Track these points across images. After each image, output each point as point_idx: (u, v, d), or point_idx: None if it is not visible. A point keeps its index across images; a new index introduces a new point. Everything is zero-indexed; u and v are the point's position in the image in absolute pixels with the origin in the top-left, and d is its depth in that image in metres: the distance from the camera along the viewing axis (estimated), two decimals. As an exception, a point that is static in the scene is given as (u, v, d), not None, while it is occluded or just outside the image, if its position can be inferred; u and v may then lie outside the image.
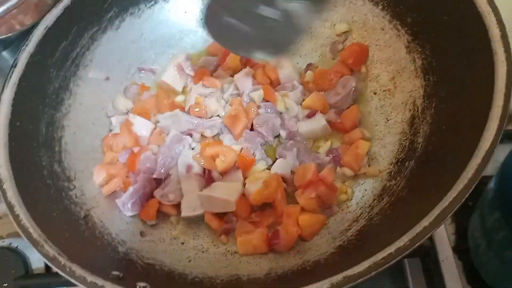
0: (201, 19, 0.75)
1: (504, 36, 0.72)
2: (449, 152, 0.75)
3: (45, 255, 0.69)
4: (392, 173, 0.87)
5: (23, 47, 0.93)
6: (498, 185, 0.74)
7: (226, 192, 0.88)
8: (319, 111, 0.97)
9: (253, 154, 0.95)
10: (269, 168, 0.94)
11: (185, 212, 0.90)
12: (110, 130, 1.04)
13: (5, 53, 1.14)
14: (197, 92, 1.05)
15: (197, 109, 1.01)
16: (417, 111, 0.89)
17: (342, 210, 0.87)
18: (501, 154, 0.72)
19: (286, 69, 1.02)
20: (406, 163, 0.84)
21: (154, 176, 0.94)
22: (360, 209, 0.85)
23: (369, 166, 0.91)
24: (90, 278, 0.65)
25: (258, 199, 0.86)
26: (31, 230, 0.71)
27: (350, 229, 0.82)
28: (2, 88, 0.88)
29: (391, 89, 0.97)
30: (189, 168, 0.94)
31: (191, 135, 1.00)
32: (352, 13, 1.06)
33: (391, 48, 0.98)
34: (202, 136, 1.01)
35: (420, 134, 0.85)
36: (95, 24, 1.04)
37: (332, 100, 0.98)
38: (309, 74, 1.03)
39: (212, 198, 0.87)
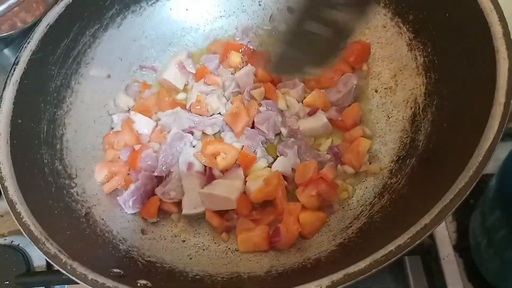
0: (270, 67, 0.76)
1: (506, 33, 0.72)
2: (450, 150, 0.74)
3: (46, 253, 0.69)
4: (393, 170, 0.86)
5: (25, 45, 0.93)
6: (499, 183, 0.74)
7: (227, 190, 0.88)
8: (320, 109, 0.96)
9: (254, 151, 0.95)
10: (270, 166, 0.94)
11: (186, 209, 0.90)
12: (112, 128, 1.04)
13: (6, 51, 1.14)
14: (199, 90, 1.05)
15: (198, 107, 1.01)
16: (419, 109, 0.89)
17: (342, 207, 0.87)
18: (502, 152, 0.72)
19: (287, 66, 1.02)
20: (407, 161, 0.84)
21: (155, 173, 0.94)
22: (360, 206, 0.85)
23: (370, 164, 0.90)
24: (91, 275, 0.65)
25: (259, 196, 0.87)
26: (32, 227, 0.72)
27: (350, 226, 0.82)
28: (4, 86, 0.88)
29: (393, 86, 0.97)
30: (190, 165, 0.94)
31: (192, 133, 1.00)
32: (353, 11, 1.06)
33: (392, 46, 0.98)
34: (203, 133, 1.01)
35: (421, 132, 0.85)
36: (96, 22, 1.04)
37: (333, 98, 0.98)
38: (310, 72, 1.03)
39: (213, 196, 0.87)
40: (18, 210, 0.74)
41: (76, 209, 0.86)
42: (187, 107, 1.03)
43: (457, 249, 0.88)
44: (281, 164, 0.91)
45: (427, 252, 0.87)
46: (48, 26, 0.95)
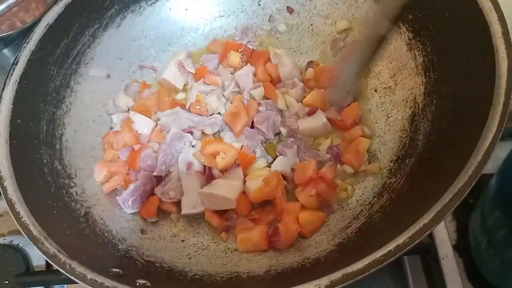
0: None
1: (505, 33, 0.72)
2: (449, 149, 0.74)
3: (45, 253, 0.69)
4: (392, 170, 0.86)
5: (24, 45, 0.93)
6: (499, 183, 0.74)
7: (226, 190, 0.88)
8: (319, 109, 0.96)
9: (254, 151, 0.95)
10: (269, 166, 0.94)
11: (186, 209, 0.90)
12: (111, 128, 1.04)
13: (6, 51, 1.14)
14: (198, 90, 1.05)
15: (197, 107, 1.01)
16: (418, 108, 0.89)
17: (342, 207, 0.87)
18: (501, 152, 0.72)
19: (287, 66, 1.02)
20: (407, 161, 0.84)
21: (155, 173, 0.94)
22: (360, 206, 0.85)
23: (369, 163, 0.90)
24: (90, 275, 0.65)
25: (258, 196, 0.87)
26: (31, 227, 0.72)
27: (350, 226, 0.82)
28: (3, 85, 0.88)
29: (392, 86, 0.96)
30: (189, 165, 0.94)
31: (191, 133, 1.00)
32: (353, 11, 1.06)
33: (392, 45, 0.98)
34: (203, 133, 1.01)
35: (421, 132, 0.85)
36: (96, 21, 1.04)
37: (332, 98, 0.97)
38: (310, 72, 1.03)
39: (212, 196, 0.87)
40: (17, 210, 0.74)
41: (75, 209, 0.86)
42: (187, 107, 1.03)
43: (457, 249, 0.88)
44: (281, 164, 0.91)
45: (426, 252, 0.87)
46: (47, 26, 0.95)
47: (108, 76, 1.07)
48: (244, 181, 0.90)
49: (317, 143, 0.96)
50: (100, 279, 0.65)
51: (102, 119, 1.04)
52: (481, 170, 0.62)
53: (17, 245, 1.02)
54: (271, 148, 0.97)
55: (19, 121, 0.87)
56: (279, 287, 0.76)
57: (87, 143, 0.99)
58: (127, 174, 0.96)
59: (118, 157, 0.98)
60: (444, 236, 0.87)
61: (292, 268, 0.77)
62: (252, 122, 0.97)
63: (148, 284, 0.68)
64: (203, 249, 0.87)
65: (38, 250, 0.70)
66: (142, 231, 0.90)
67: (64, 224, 0.80)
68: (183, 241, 0.89)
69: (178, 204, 0.92)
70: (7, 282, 0.94)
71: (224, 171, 0.94)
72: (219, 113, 1.02)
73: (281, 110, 0.99)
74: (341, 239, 0.79)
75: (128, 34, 1.10)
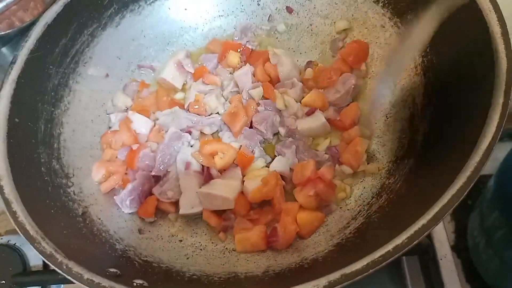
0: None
1: (505, 33, 0.72)
2: (448, 150, 0.74)
3: (42, 252, 0.69)
4: (391, 171, 0.86)
5: (23, 44, 0.92)
6: (497, 184, 0.73)
7: (224, 190, 0.87)
8: (318, 109, 0.96)
9: (252, 151, 0.94)
10: (268, 166, 0.93)
11: (184, 209, 0.90)
12: (109, 127, 1.03)
13: (4, 50, 1.13)
14: (197, 90, 1.04)
15: (196, 106, 1.01)
16: (417, 109, 0.88)
17: (340, 208, 0.87)
18: (500, 152, 0.72)
19: (286, 66, 1.02)
20: (405, 161, 0.84)
21: (153, 173, 0.94)
22: (358, 207, 0.85)
23: (368, 163, 0.90)
24: (87, 275, 0.65)
25: (256, 196, 0.86)
26: (28, 227, 0.71)
27: (348, 227, 0.81)
28: (1, 84, 0.88)
29: (391, 86, 0.96)
30: (188, 165, 0.94)
31: (190, 133, 0.99)
32: (352, 11, 1.06)
33: (391, 46, 0.98)
34: (201, 133, 1.01)
35: (420, 132, 0.85)
36: (95, 21, 1.03)
37: (331, 98, 0.97)
38: (309, 72, 1.03)
39: (210, 196, 0.87)
40: (14, 209, 0.73)
41: (73, 209, 0.86)
42: (185, 107, 1.03)
43: (455, 250, 0.88)
44: (279, 164, 0.91)
45: (424, 252, 0.86)
46: (46, 25, 0.95)
47: (107, 75, 1.07)
48: (243, 181, 0.90)
49: (316, 143, 0.96)
50: (97, 279, 0.64)
51: (101, 119, 1.04)
52: (480, 171, 0.62)
53: (14, 244, 1.02)
54: (270, 148, 0.96)
55: (17, 120, 0.86)
56: (277, 287, 0.76)
57: (85, 143, 0.99)
58: (125, 173, 0.96)
59: (116, 157, 0.97)
60: (442, 237, 0.87)
61: (290, 269, 0.77)
62: (251, 122, 0.97)
63: (146, 284, 0.68)
64: (201, 249, 0.87)
65: (35, 249, 0.69)
66: (140, 231, 0.90)
67: (61, 223, 0.79)
68: (181, 241, 0.89)
69: (176, 204, 0.91)
70: (4, 282, 0.94)
71: (222, 171, 0.93)
72: (217, 113, 1.02)
73: (280, 110, 0.98)
74: (339, 240, 0.79)
75: (127, 33, 1.09)
